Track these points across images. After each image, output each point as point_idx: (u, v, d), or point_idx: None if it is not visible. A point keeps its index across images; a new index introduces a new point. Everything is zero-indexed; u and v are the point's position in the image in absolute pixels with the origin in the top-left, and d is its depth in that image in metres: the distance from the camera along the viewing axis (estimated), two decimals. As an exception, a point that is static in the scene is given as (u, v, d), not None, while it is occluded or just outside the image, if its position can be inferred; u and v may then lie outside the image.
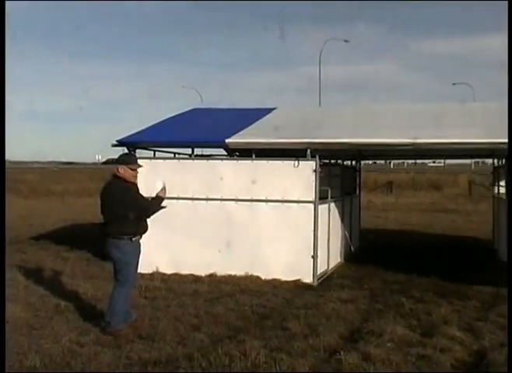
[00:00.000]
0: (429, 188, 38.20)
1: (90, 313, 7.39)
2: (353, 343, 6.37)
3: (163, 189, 6.87)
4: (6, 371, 5.00)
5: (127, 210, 6.58)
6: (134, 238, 6.69)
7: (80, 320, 7.21)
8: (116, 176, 6.76)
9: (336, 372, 5.59)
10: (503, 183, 13.01)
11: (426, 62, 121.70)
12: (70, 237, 14.56)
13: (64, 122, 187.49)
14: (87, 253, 12.00)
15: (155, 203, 6.85)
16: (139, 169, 6.97)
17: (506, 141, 9.18)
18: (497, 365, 5.61)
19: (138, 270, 7.09)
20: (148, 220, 6.88)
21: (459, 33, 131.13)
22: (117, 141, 10.74)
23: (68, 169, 61.83)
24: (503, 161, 13.12)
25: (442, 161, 54.86)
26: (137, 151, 10.57)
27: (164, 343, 6.38)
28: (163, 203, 6.91)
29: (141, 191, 6.91)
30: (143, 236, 6.89)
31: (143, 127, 11.53)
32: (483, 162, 45.41)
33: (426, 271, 10.47)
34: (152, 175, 9.29)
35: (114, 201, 6.64)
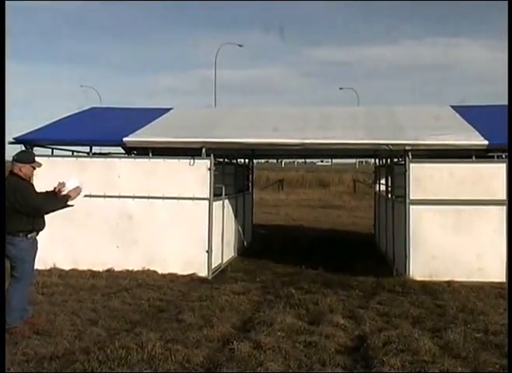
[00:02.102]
0: (317, 186, 39.37)
1: (-16, 311, 7.25)
2: (245, 333, 6.60)
3: (77, 188, 6.84)
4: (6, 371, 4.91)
5: (20, 208, 6.53)
6: (29, 235, 6.64)
7: (-27, 318, 7.05)
8: (12, 173, 6.69)
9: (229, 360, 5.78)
10: (383, 181, 13.91)
11: (316, 68, 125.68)
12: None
13: None
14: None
15: (54, 202, 6.76)
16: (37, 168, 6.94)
17: (386, 142, 9.98)
18: (376, 348, 6.05)
19: (36, 267, 7.03)
20: (45, 217, 6.86)
21: (347, 42, 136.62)
22: (14, 138, 10.49)
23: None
24: (384, 161, 14.04)
25: (329, 160, 56.74)
26: (35, 148, 10.40)
27: (61, 337, 6.36)
28: (71, 202, 6.83)
29: (37, 188, 6.87)
30: (40, 233, 6.87)
31: (41, 126, 11.35)
32: (366, 162, 47.54)
33: (313, 264, 10.96)
34: (49, 173, 9.22)
35: (8, 198, 6.55)
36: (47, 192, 6.92)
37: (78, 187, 6.88)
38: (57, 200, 6.80)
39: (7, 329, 6.49)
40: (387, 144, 10.00)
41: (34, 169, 6.76)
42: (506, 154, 9.48)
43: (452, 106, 12.15)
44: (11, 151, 7.15)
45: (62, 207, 6.84)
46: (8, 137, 10.49)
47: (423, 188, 9.71)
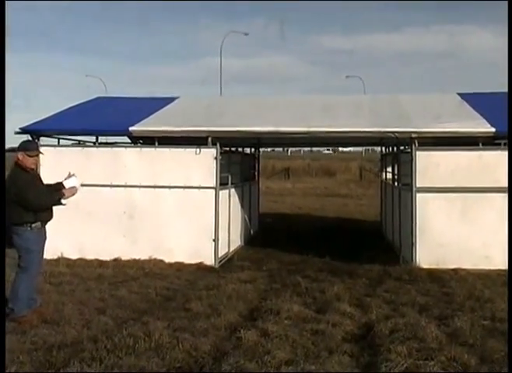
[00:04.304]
0: (324, 174, 39.36)
1: (-7, 300, 7.30)
2: (252, 321, 6.63)
3: (73, 188, 6.85)
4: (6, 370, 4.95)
5: (16, 200, 6.55)
6: (34, 225, 6.65)
7: (-18, 307, 7.09)
8: (17, 164, 6.71)
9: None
10: (389, 169, 13.88)
11: (321, 56, 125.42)
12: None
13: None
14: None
15: (47, 198, 6.73)
16: (42, 157, 6.96)
17: (393, 130, 9.95)
18: (383, 336, 6.06)
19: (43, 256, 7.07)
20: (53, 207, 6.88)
21: (353, 29, 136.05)
22: (20, 128, 10.53)
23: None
24: (390, 149, 14.00)
25: (335, 148, 56.72)
26: (41, 139, 10.44)
27: (69, 326, 6.40)
28: (64, 201, 6.83)
29: (44, 178, 6.90)
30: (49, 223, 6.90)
31: (47, 115, 11.37)
32: (373, 150, 47.43)
33: (320, 252, 10.99)
34: (56, 162, 9.27)
35: (10, 190, 6.59)
36: (53, 184, 6.93)
37: (74, 187, 6.88)
38: (52, 196, 6.76)
39: (15, 318, 6.58)
40: (393, 132, 9.97)
41: (30, 156, 6.70)
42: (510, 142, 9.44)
43: (459, 94, 12.08)
44: (18, 141, 7.14)
45: (54, 204, 6.82)
46: (15, 128, 10.59)
47: (429, 176, 9.68)
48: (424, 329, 6.16)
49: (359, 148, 50.36)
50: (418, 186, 9.70)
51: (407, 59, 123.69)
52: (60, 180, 6.95)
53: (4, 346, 5.23)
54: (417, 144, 9.76)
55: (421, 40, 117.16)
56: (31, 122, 10.85)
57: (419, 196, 9.70)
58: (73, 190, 6.88)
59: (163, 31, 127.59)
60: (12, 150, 6.96)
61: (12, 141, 8.90)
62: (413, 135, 9.76)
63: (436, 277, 9.02)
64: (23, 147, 6.82)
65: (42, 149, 7.07)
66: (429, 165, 9.70)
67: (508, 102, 9.89)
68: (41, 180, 6.98)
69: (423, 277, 9.02)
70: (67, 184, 6.88)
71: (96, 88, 58.51)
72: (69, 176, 6.99)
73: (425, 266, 9.51)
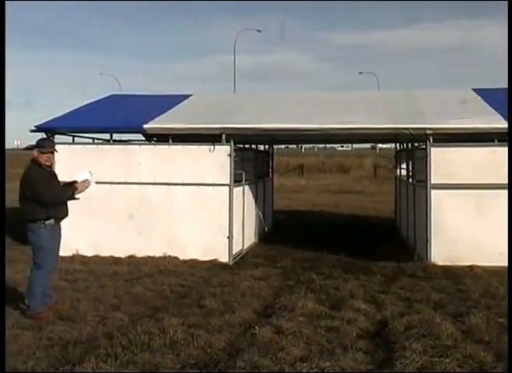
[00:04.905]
0: (338, 171, 39.29)
1: (10, 297, 7.29)
2: (267, 318, 6.63)
3: (86, 181, 6.89)
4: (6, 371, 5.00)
5: (30, 196, 6.61)
6: (47, 222, 6.69)
7: None
8: (32, 160, 6.80)
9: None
10: (404, 165, 13.81)
11: (334, 52, 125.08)
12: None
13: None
14: (7, 238, 11.75)
15: (60, 193, 6.80)
16: (57, 154, 7.02)
17: (407, 126, 9.90)
18: (397, 333, 6.05)
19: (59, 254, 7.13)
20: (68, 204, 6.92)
21: (366, 25, 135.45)
22: (35, 126, 10.63)
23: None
24: (404, 145, 13.93)
25: (349, 145, 56.52)
26: (56, 136, 10.51)
27: (84, 323, 6.46)
28: (78, 195, 6.88)
29: (59, 175, 6.95)
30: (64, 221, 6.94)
31: (61, 113, 11.46)
32: (371, 146, 47.31)
33: (334, 249, 10.96)
34: (70, 160, 9.34)
35: (25, 185, 6.67)
36: (68, 182, 6.98)
37: (87, 180, 6.92)
38: (66, 191, 6.82)
39: (31, 315, 6.64)
40: (407, 129, 9.92)
41: (44, 153, 6.75)
42: None
43: (474, 89, 11.98)
44: (34, 139, 7.21)
45: (68, 199, 6.87)
46: (30, 126, 10.69)
47: (444, 172, 9.62)
48: (439, 326, 6.13)
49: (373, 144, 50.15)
50: (432, 182, 9.65)
51: (420, 55, 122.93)
52: (74, 179, 6.99)
53: (4, 346, 5.26)
54: (432, 141, 9.70)
55: (435, 35, 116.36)
56: (46, 120, 10.95)
57: (434, 193, 9.65)
58: (86, 184, 6.91)
59: (176, 29, 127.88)
60: (31, 147, 7.02)
61: (29, 139, 8.98)
62: (428, 131, 9.71)
63: (451, 273, 8.98)
64: (38, 144, 6.90)
65: (57, 147, 7.09)
66: (444, 162, 9.64)
67: (508, 102, 9.83)
68: (56, 177, 7.03)
69: (438, 273, 8.98)
70: (79, 178, 6.92)
71: (111, 86, 58.84)
72: (82, 171, 7.04)
73: (440, 262, 9.46)
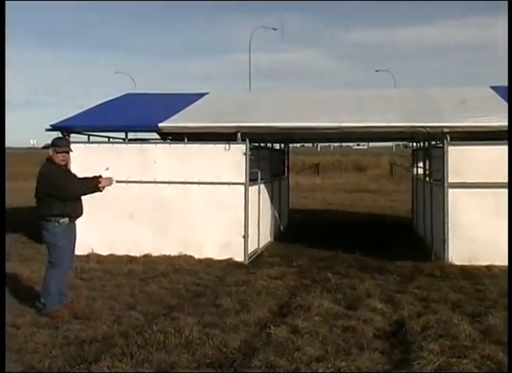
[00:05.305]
0: (354, 169, 39.19)
1: (26, 295, 7.39)
2: (282, 318, 6.62)
3: (110, 178, 6.90)
4: (6, 370, 5.02)
5: (50, 192, 6.62)
6: (61, 221, 6.70)
7: (16, 302, 7.21)
8: (48, 159, 6.83)
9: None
10: (421, 164, 13.70)
11: (350, 51, 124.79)
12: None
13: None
14: (22, 236, 11.87)
15: (82, 185, 6.82)
16: (72, 153, 7.05)
17: (424, 124, 9.80)
18: (414, 333, 5.99)
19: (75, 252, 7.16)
20: (83, 203, 6.94)
21: (382, 23, 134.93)
22: (51, 125, 10.68)
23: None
24: (421, 144, 13.82)
25: (365, 143, 56.33)
26: (71, 135, 10.58)
27: (100, 322, 6.46)
28: (102, 188, 6.89)
29: (75, 173, 6.98)
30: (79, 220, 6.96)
31: (77, 112, 11.50)
32: (404, 145, 46.99)
33: (350, 248, 10.91)
34: (85, 159, 9.38)
35: (41, 183, 6.70)
36: (89, 177, 6.98)
37: (111, 178, 6.94)
38: (85, 184, 6.84)
39: (47, 313, 6.68)
40: (424, 127, 9.83)
41: (58, 153, 6.77)
42: None
43: (492, 87, 11.84)
44: (50, 138, 7.24)
45: (92, 192, 6.89)
46: (45, 125, 10.75)
47: (462, 171, 9.52)
48: (457, 326, 6.07)
49: (390, 143, 49.89)
50: (450, 181, 9.56)
51: (437, 53, 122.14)
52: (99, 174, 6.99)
53: (4, 346, 5.27)
54: (449, 139, 9.61)
55: (451, 33, 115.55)
56: (61, 119, 11.00)
57: (451, 192, 9.56)
58: (110, 180, 6.93)
59: (192, 26, 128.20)
60: (48, 146, 7.06)
61: (45, 138, 9.03)
62: (445, 130, 9.61)
63: (469, 273, 8.89)
64: (53, 143, 6.93)
65: (72, 146, 7.11)
66: (461, 160, 9.55)
67: (508, 102, 9.73)
68: (72, 173, 7.08)
69: (455, 273, 8.90)
70: (104, 174, 6.94)
71: (126, 85, 59.21)
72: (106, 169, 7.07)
73: (457, 262, 9.37)
